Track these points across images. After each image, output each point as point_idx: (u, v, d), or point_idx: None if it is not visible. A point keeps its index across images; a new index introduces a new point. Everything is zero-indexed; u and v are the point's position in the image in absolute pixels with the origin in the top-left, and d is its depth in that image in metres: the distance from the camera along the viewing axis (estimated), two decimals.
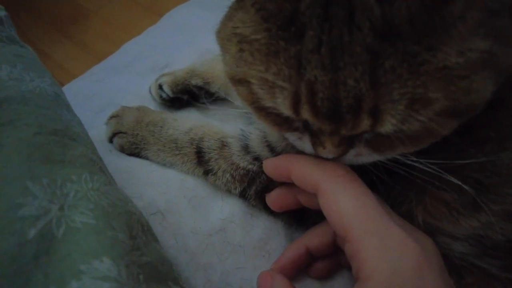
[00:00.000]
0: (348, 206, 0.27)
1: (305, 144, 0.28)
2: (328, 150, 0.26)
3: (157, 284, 0.27)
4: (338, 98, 0.22)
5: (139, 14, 1.44)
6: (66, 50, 1.38)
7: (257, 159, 0.39)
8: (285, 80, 0.23)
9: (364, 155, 0.27)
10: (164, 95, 0.49)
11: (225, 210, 0.40)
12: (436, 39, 0.21)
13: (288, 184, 0.35)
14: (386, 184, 0.33)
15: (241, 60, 0.25)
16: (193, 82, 0.48)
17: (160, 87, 0.49)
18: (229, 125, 0.44)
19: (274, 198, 0.37)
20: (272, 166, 0.33)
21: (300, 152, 0.31)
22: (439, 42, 0.21)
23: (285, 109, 0.24)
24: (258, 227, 0.40)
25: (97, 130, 0.46)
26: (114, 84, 0.55)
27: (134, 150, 0.44)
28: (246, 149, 0.39)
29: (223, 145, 0.40)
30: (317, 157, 0.29)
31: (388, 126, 0.23)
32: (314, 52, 0.22)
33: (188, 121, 0.44)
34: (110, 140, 0.45)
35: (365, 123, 0.23)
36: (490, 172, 0.29)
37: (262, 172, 0.37)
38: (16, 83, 0.31)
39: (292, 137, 0.29)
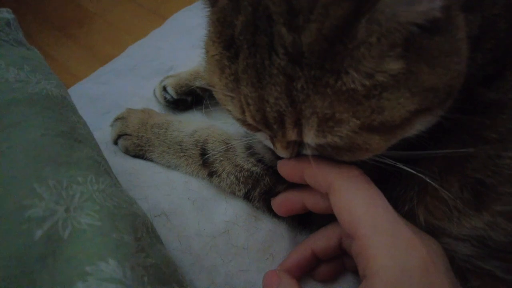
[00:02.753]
0: (360, 204, 0.28)
1: (270, 143, 0.31)
2: (278, 150, 0.30)
3: (162, 286, 0.27)
4: (265, 111, 0.25)
5: (144, 17, 1.45)
6: (72, 53, 1.39)
7: (261, 161, 0.39)
8: (232, 91, 0.27)
9: (315, 153, 0.29)
10: (168, 97, 0.49)
11: (229, 212, 0.40)
12: (339, 64, 0.22)
13: (294, 189, 0.35)
14: (388, 183, 0.33)
15: (208, 70, 0.29)
16: (197, 83, 0.49)
17: (164, 89, 0.49)
18: (233, 127, 0.44)
19: (280, 202, 0.37)
20: (286, 166, 0.34)
21: None
22: (344, 66, 0.22)
23: (236, 113, 0.28)
24: (262, 230, 0.40)
25: (102, 132, 0.46)
26: (119, 87, 0.56)
27: (138, 152, 0.44)
28: (250, 151, 0.40)
29: (228, 147, 0.40)
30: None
31: (309, 138, 0.25)
32: (245, 72, 0.25)
33: (193, 123, 0.44)
34: (115, 142, 0.46)
35: (292, 133, 0.26)
36: (491, 172, 0.29)
37: (266, 174, 0.38)
38: (23, 85, 0.32)
39: (262, 137, 0.33)
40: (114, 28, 1.44)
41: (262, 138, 0.33)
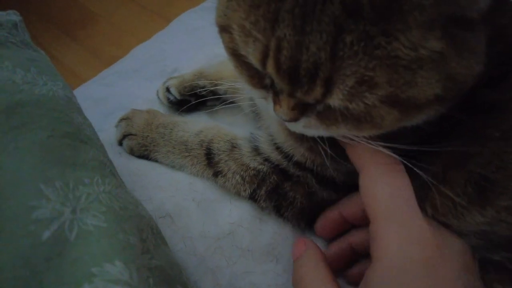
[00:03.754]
0: (383, 191, 0.29)
1: (269, 105, 0.30)
2: (283, 110, 0.28)
3: (167, 287, 0.27)
4: (299, 60, 0.24)
5: (148, 19, 1.46)
6: (76, 55, 1.40)
7: (267, 160, 0.39)
8: (259, 31, 0.25)
9: (312, 127, 0.29)
10: (171, 98, 0.49)
11: (234, 214, 0.40)
12: (393, 26, 0.22)
13: (329, 207, 0.37)
14: None
15: (229, 8, 0.27)
16: (201, 83, 0.49)
17: (168, 90, 0.49)
18: (238, 129, 0.44)
19: (321, 224, 0.37)
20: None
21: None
22: (396, 30, 0.22)
23: (254, 60, 0.26)
24: (266, 232, 0.40)
25: (107, 133, 0.46)
26: (123, 88, 0.56)
27: (143, 152, 0.44)
28: (256, 150, 0.40)
29: (233, 146, 0.40)
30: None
31: (336, 99, 0.25)
32: (290, 11, 0.23)
33: (198, 123, 0.44)
34: (120, 143, 0.46)
35: (318, 91, 0.25)
36: (496, 167, 0.29)
37: (273, 172, 0.38)
38: (30, 87, 0.32)
39: (260, 99, 0.31)
40: (118, 30, 1.45)
41: (258, 96, 0.32)
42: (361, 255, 0.37)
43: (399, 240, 0.27)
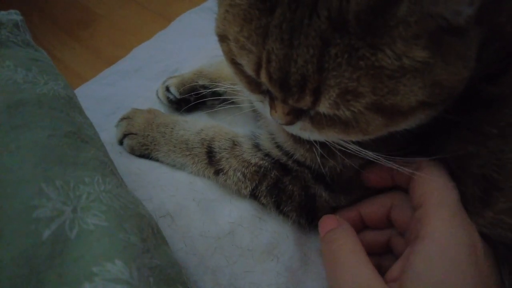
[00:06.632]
0: (435, 184, 0.31)
1: (266, 108, 0.31)
2: (278, 115, 0.30)
3: (167, 287, 0.27)
4: (288, 72, 0.25)
5: (149, 19, 1.46)
6: (77, 55, 1.40)
7: (268, 155, 0.39)
8: (252, 44, 0.26)
9: (307, 131, 0.31)
10: (171, 97, 0.49)
11: (233, 213, 0.40)
12: (378, 39, 0.23)
13: (349, 207, 0.38)
14: None
15: (225, 19, 0.28)
16: (201, 82, 0.49)
17: (167, 89, 0.50)
18: (238, 128, 0.44)
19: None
20: (373, 172, 0.36)
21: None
22: (381, 42, 0.23)
23: (248, 69, 0.28)
24: (266, 231, 0.40)
25: (108, 133, 0.46)
26: (124, 88, 0.56)
27: (144, 151, 0.44)
28: (257, 147, 0.40)
29: (234, 144, 0.41)
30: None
31: (323, 107, 0.26)
32: (278, 27, 0.25)
33: (199, 122, 0.44)
34: (120, 142, 0.46)
35: (307, 99, 0.26)
36: (495, 166, 0.30)
37: (274, 167, 0.39)
38: (31, 86, 0.32)
39: (257, 102, 0.33)
40: (119, 30, 1.45)
41: (256, 100, 0.33)
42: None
43: (447, 223, 0.29)
